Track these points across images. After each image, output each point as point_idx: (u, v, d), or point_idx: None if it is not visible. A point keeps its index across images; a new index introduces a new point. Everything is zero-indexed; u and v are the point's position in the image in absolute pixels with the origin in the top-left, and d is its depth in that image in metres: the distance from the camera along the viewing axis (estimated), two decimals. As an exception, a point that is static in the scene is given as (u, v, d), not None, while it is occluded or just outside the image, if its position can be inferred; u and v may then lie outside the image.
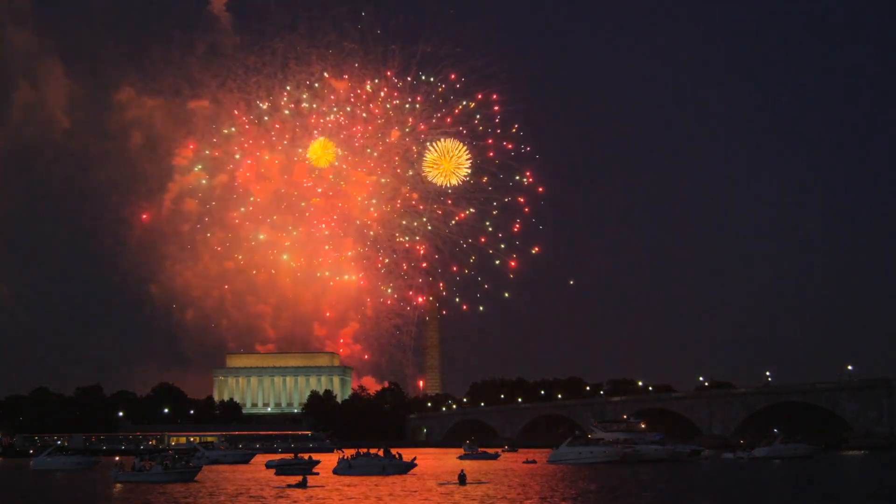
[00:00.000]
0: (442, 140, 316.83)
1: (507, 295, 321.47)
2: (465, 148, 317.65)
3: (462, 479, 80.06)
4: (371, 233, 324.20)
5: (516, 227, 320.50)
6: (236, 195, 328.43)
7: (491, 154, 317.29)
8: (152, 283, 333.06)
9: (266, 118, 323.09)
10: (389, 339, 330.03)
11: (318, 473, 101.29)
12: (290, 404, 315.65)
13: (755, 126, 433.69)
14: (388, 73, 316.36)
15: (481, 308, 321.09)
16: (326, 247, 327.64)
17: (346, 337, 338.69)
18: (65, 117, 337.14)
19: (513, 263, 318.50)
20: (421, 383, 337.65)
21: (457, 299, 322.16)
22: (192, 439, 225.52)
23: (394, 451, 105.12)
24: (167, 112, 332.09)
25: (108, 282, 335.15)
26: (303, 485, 79.06)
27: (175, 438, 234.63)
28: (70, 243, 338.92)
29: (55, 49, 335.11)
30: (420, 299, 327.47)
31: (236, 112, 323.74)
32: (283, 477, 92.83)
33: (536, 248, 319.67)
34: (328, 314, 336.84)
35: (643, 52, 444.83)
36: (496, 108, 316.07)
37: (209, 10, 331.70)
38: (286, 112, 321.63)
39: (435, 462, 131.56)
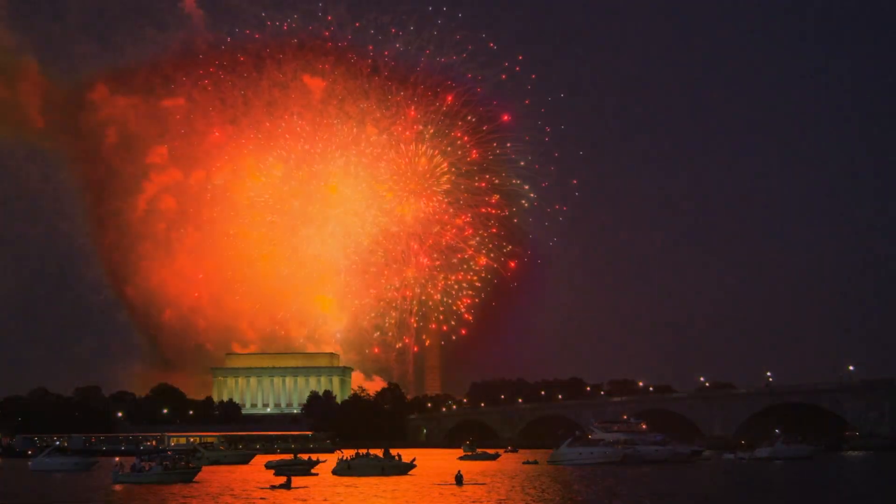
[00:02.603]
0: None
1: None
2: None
3: (459, 480, 79.74)
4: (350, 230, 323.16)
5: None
6: (212, 194, 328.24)
7: (475, 155, 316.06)
8: (128, 284, 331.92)
9: (242, 116, 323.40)
10: (372, 340, 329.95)
11: (317, 474, 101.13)
12: (289, 405, 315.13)
13: (756, 126, 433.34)
14: (365, 72, 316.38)
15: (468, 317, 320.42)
16: (307, 247, 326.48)
17: (329, 336, 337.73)
18: (39, 116, 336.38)
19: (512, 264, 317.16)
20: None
21: (454, 307, 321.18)
22: (191, 440, 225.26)
23: (393, 451, 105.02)
24: (141, 111, 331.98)
25: (86, 282, 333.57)
26: (287, 485, 78.78)
27: (175, 439, 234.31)
28: (46, 243, 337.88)
29: (31, 47, 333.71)
30: (407, 297, 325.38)
31: (211, 110, 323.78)
32: (274, 479, 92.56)
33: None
34: (308, 315, 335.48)
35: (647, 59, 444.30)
36: (475, 104, 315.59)
37: (181, 7, 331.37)
38: (261, 110, 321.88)
39: (435, 463, 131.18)
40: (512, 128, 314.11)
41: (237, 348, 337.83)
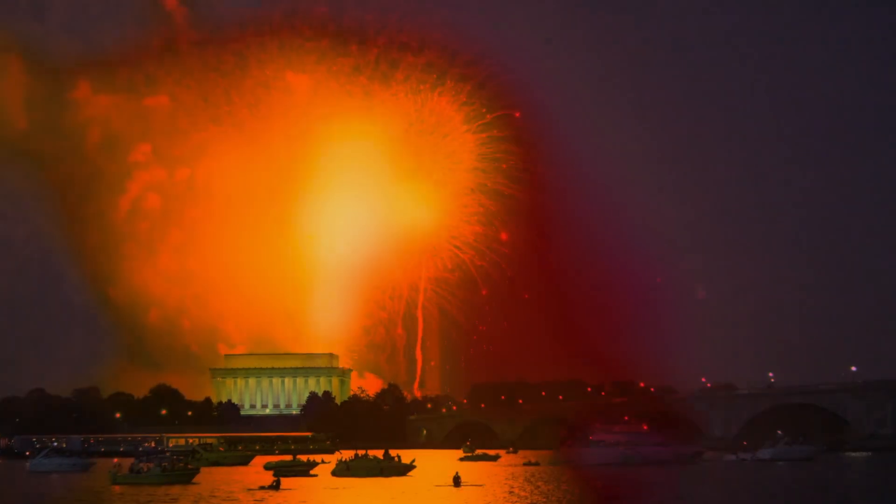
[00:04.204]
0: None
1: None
2: None
3: (457, 482, 79.11)
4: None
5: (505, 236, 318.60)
6: (196, 193, 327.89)
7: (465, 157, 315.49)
8: (111, 284, 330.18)
9: (225, 115, 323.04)
10: (360, 340, 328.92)
11: (316, 475, 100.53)
12: (288, 405, 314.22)
13: (754, 126, 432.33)
14: (347, 70, 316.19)
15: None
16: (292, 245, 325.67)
17: (317, 336, 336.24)
18: (22, 116, 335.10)
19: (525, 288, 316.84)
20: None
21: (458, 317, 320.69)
22: (190, 441, 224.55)
23: (393, 452, 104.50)
24: (124, 109, 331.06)
25: (71, 283, 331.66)
26: (275, 487, 78.08)
27: (173, 440, 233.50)
28: (30, 244, 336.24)
29: (13, 46, 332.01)
30: (400, 335, 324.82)
31: (194, 108, 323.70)
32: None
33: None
34: (295, 314, 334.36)
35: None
36: (459, 103, 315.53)
37: (163, 4, 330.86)
38: (245, 108, 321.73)
39: (434, 464, 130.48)
40: (513, 124, 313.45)
41: (223, 349, 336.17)
